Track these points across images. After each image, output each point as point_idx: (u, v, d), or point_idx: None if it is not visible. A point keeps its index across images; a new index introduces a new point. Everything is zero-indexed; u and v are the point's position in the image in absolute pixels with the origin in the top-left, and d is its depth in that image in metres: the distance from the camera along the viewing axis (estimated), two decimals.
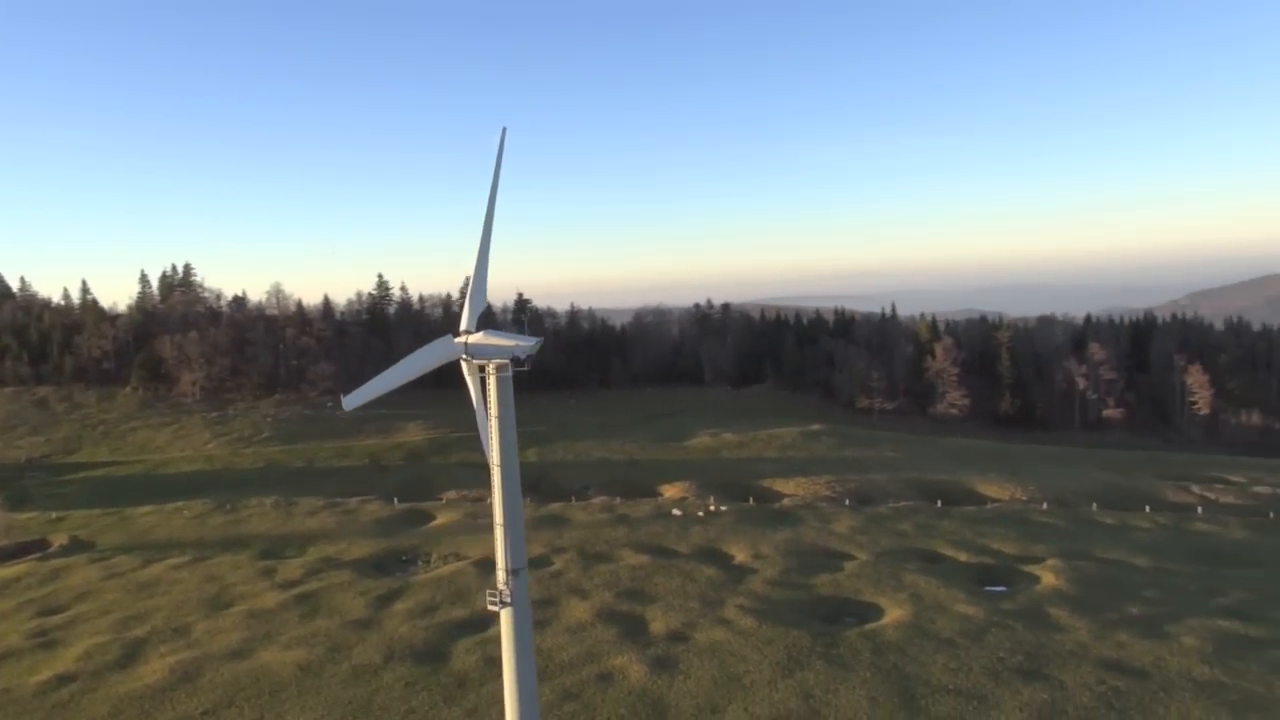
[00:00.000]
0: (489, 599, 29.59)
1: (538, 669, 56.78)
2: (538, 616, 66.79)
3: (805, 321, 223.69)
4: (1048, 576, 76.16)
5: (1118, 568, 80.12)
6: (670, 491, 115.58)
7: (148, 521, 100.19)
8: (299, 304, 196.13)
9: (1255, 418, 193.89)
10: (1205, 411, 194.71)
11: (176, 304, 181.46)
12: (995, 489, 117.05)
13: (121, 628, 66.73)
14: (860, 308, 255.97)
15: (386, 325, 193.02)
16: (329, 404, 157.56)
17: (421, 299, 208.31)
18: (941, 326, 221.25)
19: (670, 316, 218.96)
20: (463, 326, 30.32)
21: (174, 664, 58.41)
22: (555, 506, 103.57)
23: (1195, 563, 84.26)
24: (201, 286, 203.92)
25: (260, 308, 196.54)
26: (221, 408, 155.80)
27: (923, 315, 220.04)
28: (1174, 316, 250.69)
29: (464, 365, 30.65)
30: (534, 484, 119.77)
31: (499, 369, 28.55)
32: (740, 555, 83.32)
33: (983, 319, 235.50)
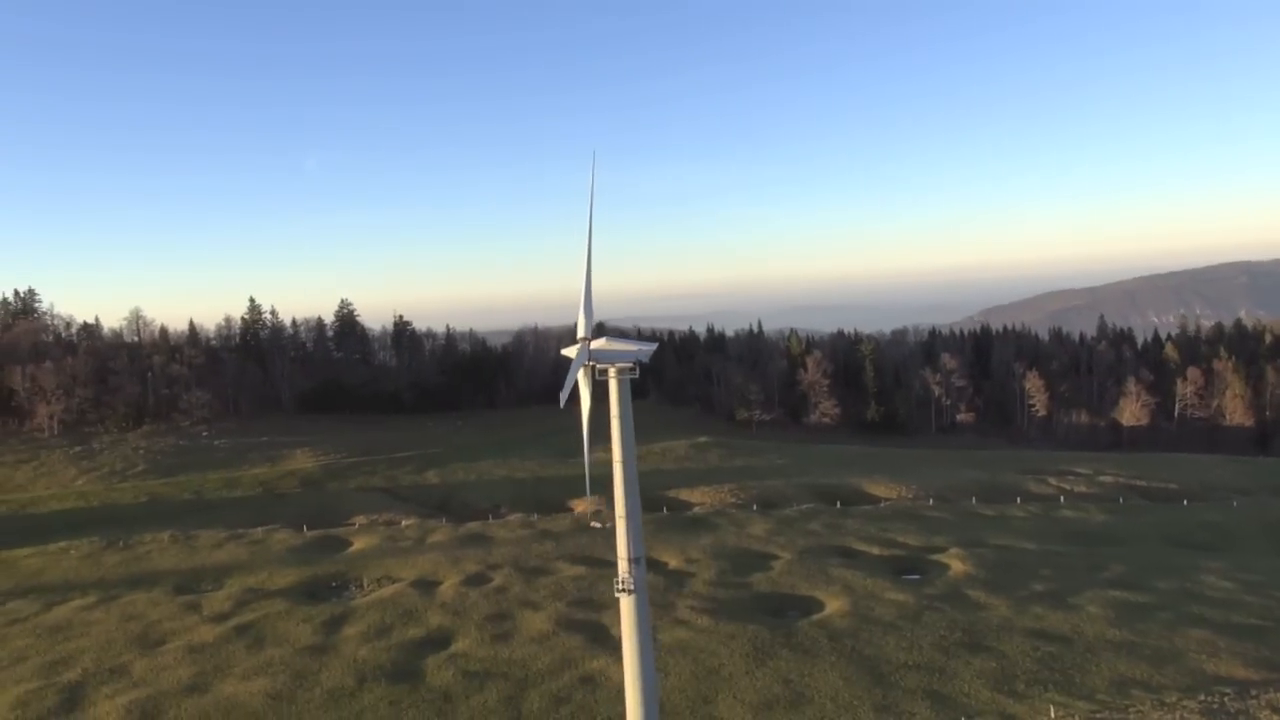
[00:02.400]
0: (616, 587, 31.21)
1: (516, 679, 58.22)
2: (496, 630, 67.65)
3: (678, 338, 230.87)
4: (955, 564, 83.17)
5: (1011, 552, 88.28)
6: (581, 506, 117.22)
7: (33, 564, 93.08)
8: (163, 330, 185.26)
9: (1083, 417, 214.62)
10: (1042, 413, 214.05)
11: (21, 333, 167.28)
12: (883, 489, 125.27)
13: (49, 673, 62.56)
14: (680, 327, 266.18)
15: (261, 350, 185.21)
16: (204, 433, 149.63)
17: (295, 322, 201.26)
18: (802, 343, 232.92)
19: (549, 336, 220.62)
20: (580, 335, 32.01)
21: (127, 704, 55.68)
22: (474, 525, 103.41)
23: (1072, 544, 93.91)
24: (49, 314, 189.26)
25: (118, 335, 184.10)
26: (85, 441, 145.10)
27: (792, 331, 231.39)
28: (1006, 328, 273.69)
29: (580, 370, 32.36)
30: (442, 504, 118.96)
31: (620, 372, 30.39)
32: (673, 561, 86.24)
33: (841, 333, 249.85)
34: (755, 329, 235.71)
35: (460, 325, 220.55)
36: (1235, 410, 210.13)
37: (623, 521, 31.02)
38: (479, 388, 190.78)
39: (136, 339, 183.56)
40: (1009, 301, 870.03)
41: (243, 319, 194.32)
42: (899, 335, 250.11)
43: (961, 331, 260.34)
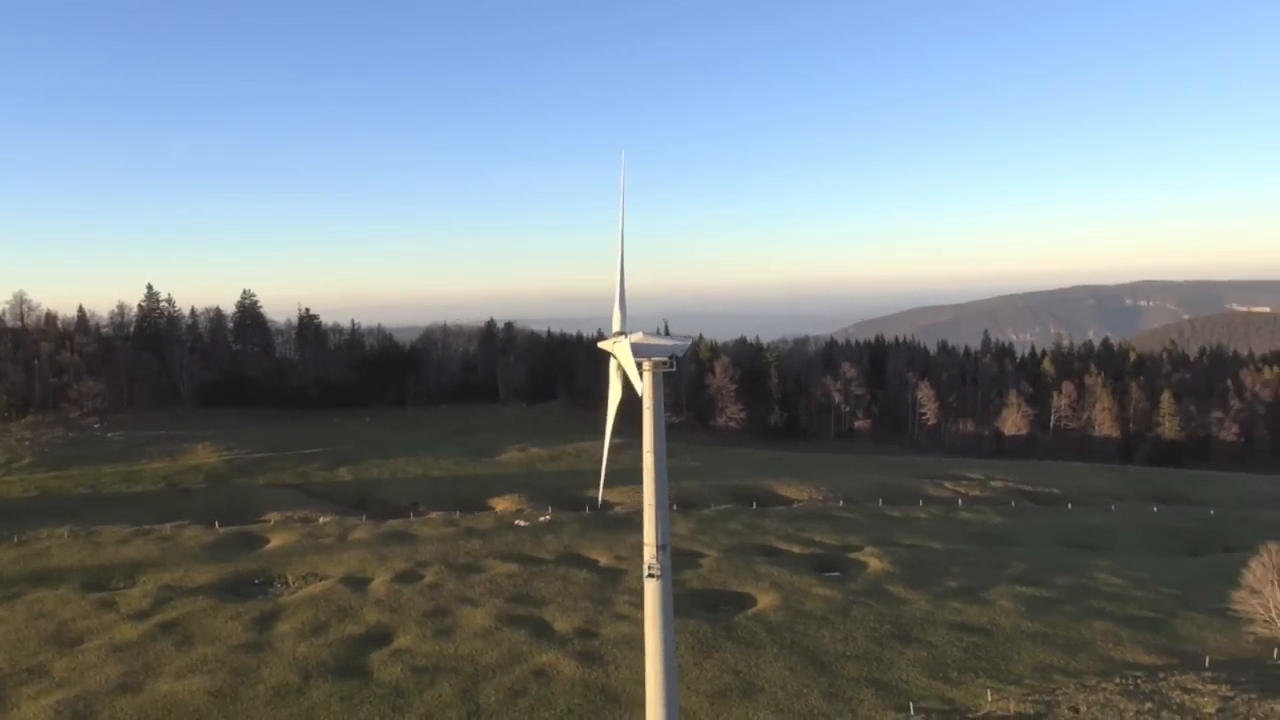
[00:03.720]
0: (646, 571, 32.23)
1: (466, 673, 58.55)
2: (437, 626, 67.51)
3: (587, 340, 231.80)
4: (873, 561, 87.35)
5: (922, 551, 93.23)
6: (502, 505, 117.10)
7: None
8: (49, 316, 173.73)
9: (969, 425, 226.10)
10: (932, 421, 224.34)
11: None
12: (794, 491, 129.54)
13: None
14: (589, 330, 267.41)
15: (159, 340, 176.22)
16: (96, 425, 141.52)
17: (194, 312, 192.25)
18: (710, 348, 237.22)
19: (459, 334, 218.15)
20: (615, 329, 33.00)
21: (55, 704, 53.43)
22: (395, 523, 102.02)
23: (975, 543, 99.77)
24: None
25: (0, 319, 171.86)
26: None
27: (700, 336, 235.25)
28: (897, 340, 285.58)
29: (613, 363, 33.39)
30: (359, 502, 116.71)
31: (655, 365, 31.52)
32: (603, 559, 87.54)
33: (744, 340, 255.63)
34: (663, 332, 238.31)
35: (368, 321, 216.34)
36: (1104, 422, 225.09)
37: (651, 510, 32.25)
38: (388, 385, 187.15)
39: (20, 324, 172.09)
40: (880, 315, 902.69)
41: (139, 306, 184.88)
42: (800, 344, 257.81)
43: (857, 341, 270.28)
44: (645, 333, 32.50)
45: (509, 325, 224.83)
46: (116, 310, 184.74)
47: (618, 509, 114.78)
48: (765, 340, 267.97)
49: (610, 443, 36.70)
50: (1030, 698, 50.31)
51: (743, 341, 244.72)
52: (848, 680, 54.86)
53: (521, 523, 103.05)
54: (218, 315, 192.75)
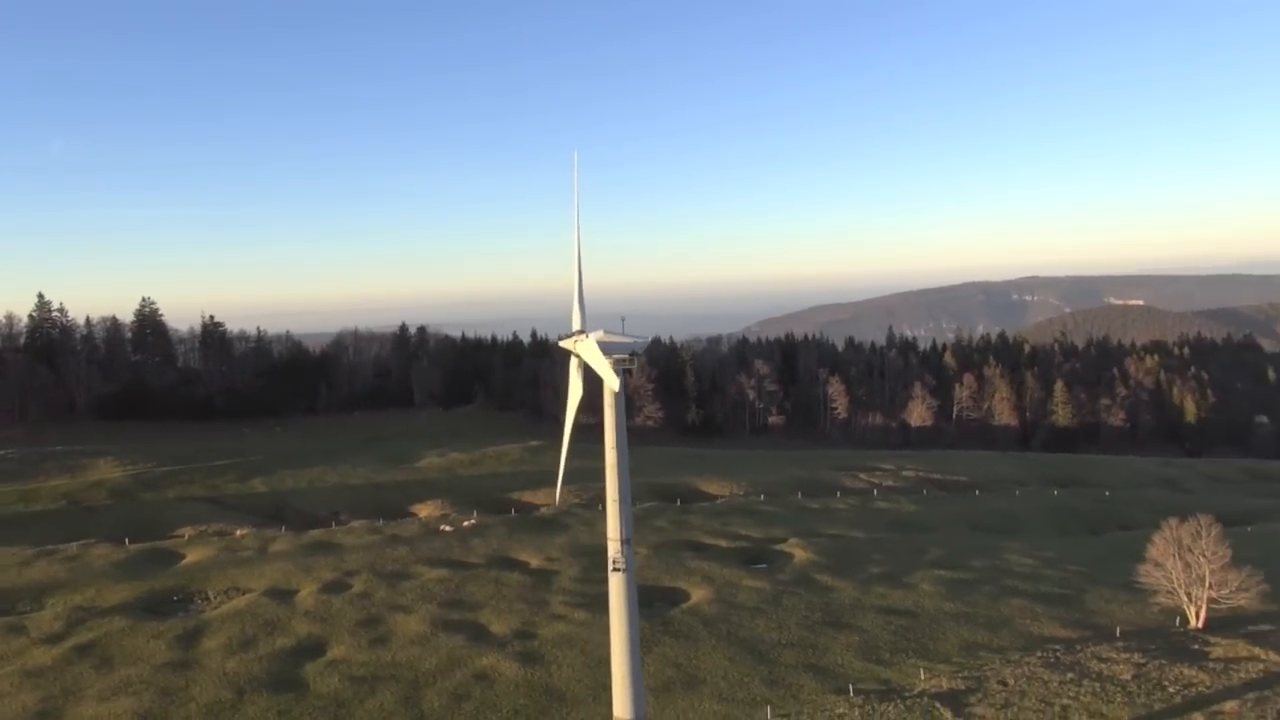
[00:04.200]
0: (611, 565, 32.57)
1: (406, 680, 58.04)
2: (371, 634, 66.48)
3: (503, 343, 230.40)
4: (798, 552, 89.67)
5: (844, 540, 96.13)
6: (425, 511, 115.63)
7: None
8: None
9: (878, 418, 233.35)
10: (843, 415, 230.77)
11: None
12: (716, 487, 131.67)
13: None
14: (503, 332, 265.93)
15: (53, 351, 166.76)
16: None
17: (90, 321, 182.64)
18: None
19: (371, 340, 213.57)
20: (575, 328, 33.27)
21: None
22: (317, 533, 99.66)
23: (893, 531, 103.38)
24: None
25: None
26: None
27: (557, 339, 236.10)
28: (807, 337, 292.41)
29: (573, 361, 33.65)
30: (275, 513, 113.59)
31: (616, 363, 31.94)
32: (534, 560, 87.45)
33: (658, 339, 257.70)
34: (620, 330, 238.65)
35: (275, 328, 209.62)
36: (1003, 412, 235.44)
37: (614, 505, 32.82)
38: (299, 393, 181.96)
39: None
40: (783, 314, 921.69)
41: (30, 316, 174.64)
42: (714, 342, 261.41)
43: (769, 339, 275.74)
44: (606, 330, 33.08)
45: (422, 329, 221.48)
46: (4, 321, 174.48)
47: (543, 510, 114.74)
48: (678, 339, 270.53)
49: (569, 440, 37.09)
50: (960, 674, 52.75)
51: (658, 341, 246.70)
52: (786, 667, 56.43)
53: (447, 528, 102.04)
54: (114, 325, 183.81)
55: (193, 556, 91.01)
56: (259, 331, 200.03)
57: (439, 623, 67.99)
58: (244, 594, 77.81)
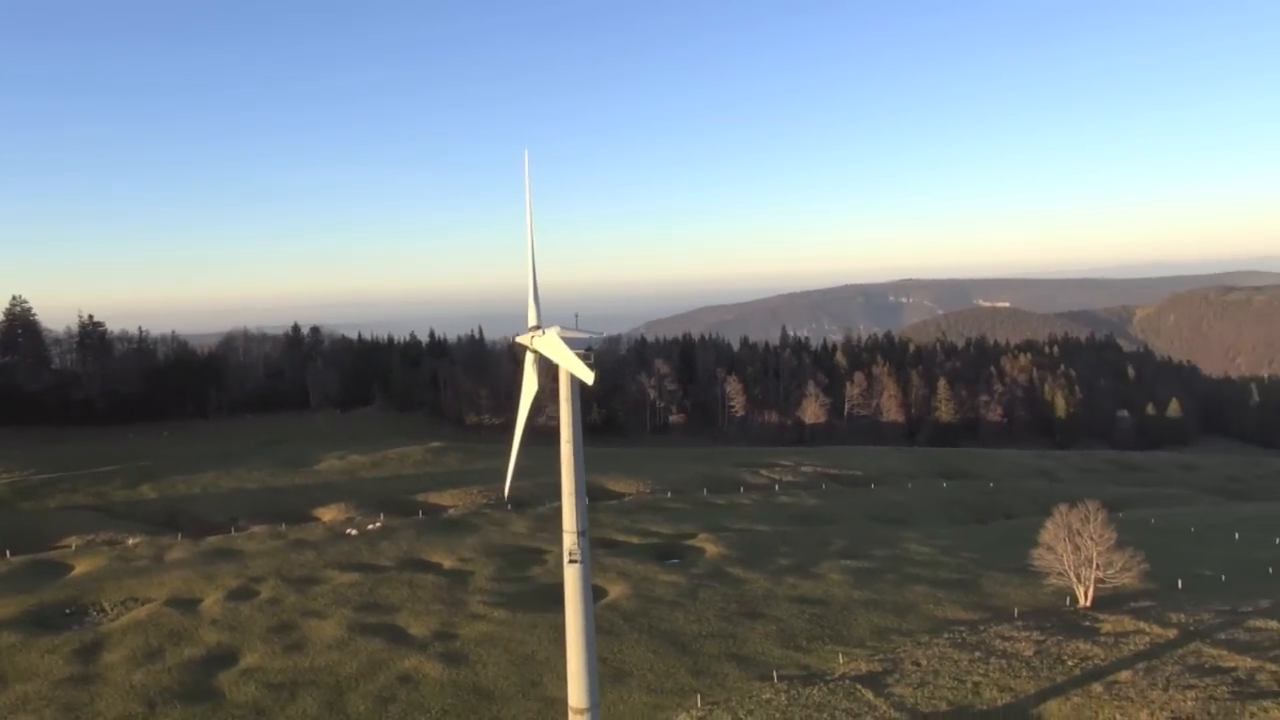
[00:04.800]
0: (568, 558, 32.91)
1: (327, 685, 57.13)
2: (286, 641, 64.89)
3: (400, 344, 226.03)
4: (709, 547, 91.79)
5: (751, 534, 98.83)
6: (328, 514, 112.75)
7: None
8: None
9: (774, 416, 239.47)
10: (741, 413, 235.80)
11: None
12: (623, 485, 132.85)
13: None
14: (400, 333, 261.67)
15: None
16: None
17: None
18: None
19: (262, 340, 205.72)
20: (531, 324, 33.49)
21: None
22: (215, 540, 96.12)
23: (797, 524, 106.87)
24: None
25: None
26: None
27: (515, 337, 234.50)
28: (703, 337, 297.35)
29: (528, 356, 33.90)
30: (169, 520, 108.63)
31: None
32: (446, 561, 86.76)
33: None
34: (477, 334, 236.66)
35: (159, 328, 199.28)
36: (891, 408, 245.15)
37: (570, 498, 33.34)
38: (186, 395, 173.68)
39: None
40: (669, 315, 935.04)
41: None
42: (612, 342, 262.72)
43: (667, 339, 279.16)
44: (562, 326, 33.70)
45: (315, 330, 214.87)
46: None
47: (451, 511, 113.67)
48: (642, 334, 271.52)
49: (521, 437, 37.50)
50: (876, 657, 55.42)
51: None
52: (709, 657, 58.02)
53: (353, 531, 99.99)
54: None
55: (83, 567, 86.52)
56: (141, 331, 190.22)
57: (356, 626, 66.89)
58: (143, 604, 74.49)
